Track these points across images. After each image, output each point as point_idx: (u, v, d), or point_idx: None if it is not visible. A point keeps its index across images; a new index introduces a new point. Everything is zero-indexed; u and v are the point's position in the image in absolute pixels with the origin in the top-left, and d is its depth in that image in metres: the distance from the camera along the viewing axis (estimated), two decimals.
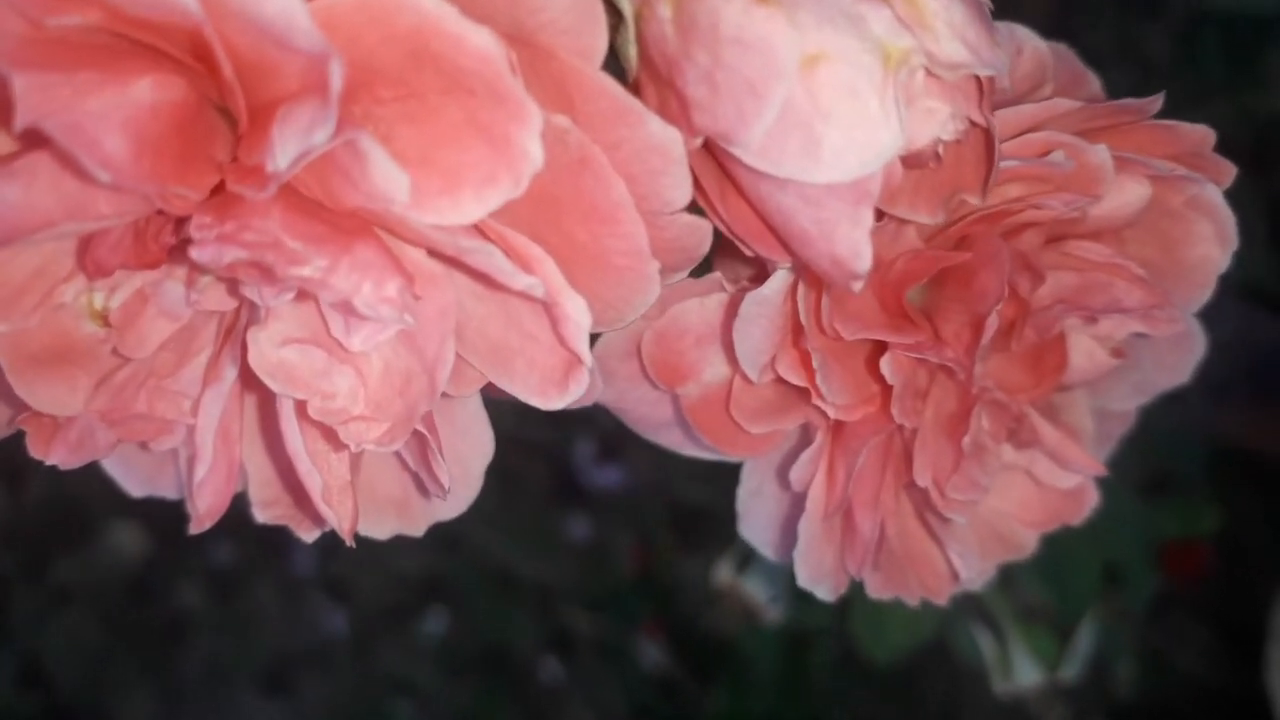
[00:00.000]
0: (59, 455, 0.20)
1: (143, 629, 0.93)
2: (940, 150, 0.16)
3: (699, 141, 0.16)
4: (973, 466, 0.21)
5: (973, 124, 0.16)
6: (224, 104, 0.16)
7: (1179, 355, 0.24)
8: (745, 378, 0.21)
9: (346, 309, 0.16)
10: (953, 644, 0.48)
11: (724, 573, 0.49)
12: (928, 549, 0.23)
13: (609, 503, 0.90)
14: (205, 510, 0.20)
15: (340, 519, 0.19)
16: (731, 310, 0.21)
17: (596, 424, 0.88)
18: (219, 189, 0.16)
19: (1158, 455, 0.57)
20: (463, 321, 0.18)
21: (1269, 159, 0.59)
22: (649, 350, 0.22)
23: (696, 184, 0.17)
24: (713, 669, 0.77)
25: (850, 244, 0.16)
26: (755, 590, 0.49)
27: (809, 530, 0.22)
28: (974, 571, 0.23)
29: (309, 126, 0.14)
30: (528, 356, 0.18)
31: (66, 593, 0.92)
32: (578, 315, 0.17)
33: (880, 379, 0.20)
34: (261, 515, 0.21)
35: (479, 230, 0.16)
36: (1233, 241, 0.22)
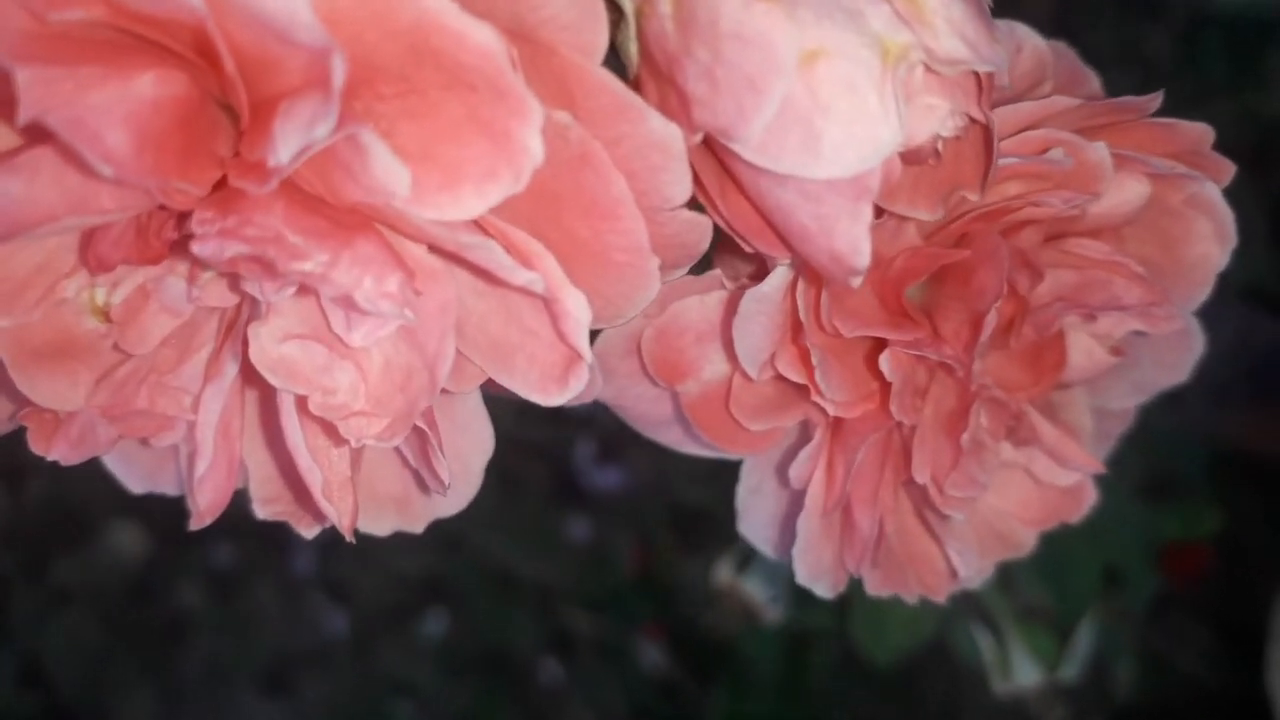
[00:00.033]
0: (60, 451, 0.20)
1: (143, 629, 0.93)
2: (939, 147, 0.16)
3: (699, 137, 0.16)
4: (971, 464, 0.21)
5: (972, 120, 0.16)
6: (226, 100, 0.16)
7: (1178, 354, 0.24)
8: (745, 375, 0.21)
9: (347, 304, 0.16)
10: (953, 644, 0.48)
11: (724, 573, 0.49)
12: (926, 547, 0.23)
13: (609, 504, 0.90)
14: (205, 506, 0.20)
15: (340, 515, 0.19)
16: (731, 307, 0.21)
17: (597, 425, 0.88)
18: (221, 184, 0.16)
19: (1158, 456, 0.57)
20: (463, 317, 0.18)
21: (1270, 160, 0.59)
22: (649, 347, 0.22)
23: (696, 180, 0.17)
24: (713, 670, 0.77)
25: (849, 240, 0.16)
26: (755, 590, 0.49)
27: (808, 527, 0.22)
28: (973, 569, 0.23)
29: (310, 121, 0.14)
30: (528, 352, 0.18)
31: (66, 593, 0.92)
32: (578, 311, 0.17)
33: (879, 376, 0.20)
34: (262, 512, 0.22)
35: (479, 226, 0.16)
36: (1232, 239, 0.22)
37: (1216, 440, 0.61)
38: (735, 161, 0.16)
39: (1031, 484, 0.24)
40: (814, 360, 0.20)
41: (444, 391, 0.19)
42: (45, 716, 0.90)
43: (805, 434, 0.22)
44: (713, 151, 0.17)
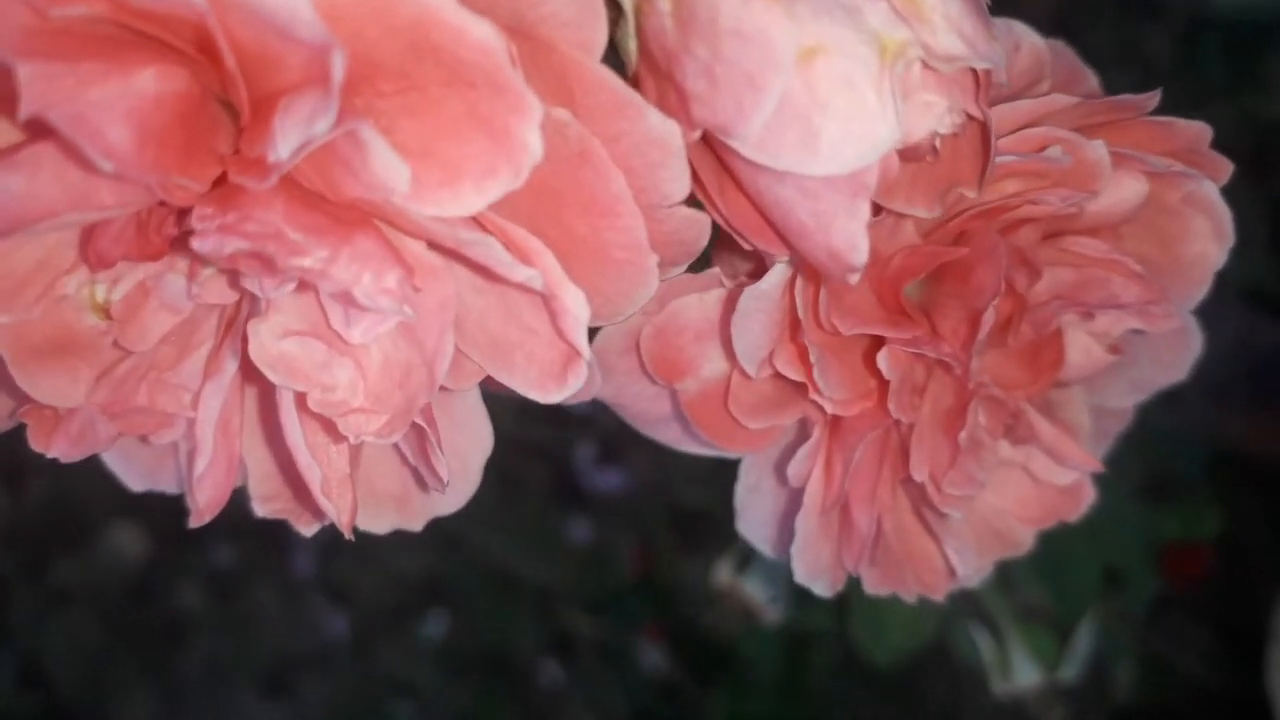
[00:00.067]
0: (60, 448, 0.20)
1: (143, 630, 0.93)
2: (937, 144, 0.16)
3: (697, 135, 0.17)
4: (969, 462, 0.21)
5: (969, 117, 0.16)
6: (227, 97, 0.16)
7: (1176, 352, 0.24)
8: (743, 373, 0.21)
9: (346, 300, 0.16)
10: (952, 645, 0.48)
11: (723, 573, 0.49)
12: (925, 545, 0.23)
13: (609, 505, 0.90)
14: (205, 504, 0.20)
15: (339, 512, 0.19)
16: (730, 305, 0.21)
17: (597, 426, 0.88)
18: (221, 181, 0.16)
19: (1158, 457, 0.57)
20: (462, 314, 0.18)
21: (1269, 162, 0.59)
22: (648, 345, 0.22)
23: (695, 177, 0.17)
24: (713, 671, 0.77)
25: (847, 236, 0.16)
26: (755, 591, 0.49)
27: (806, 525, 0.22)
28: (971, 568, 0.23)
29: (310, 116, 0.14)
30: (527, 350, 0.18)
31: (67, 593, 0.92)
32: (576, 308, 0.17)
33: (878, 374, 0.20)
34: (261, 509, 0.22)
35: (478, 222, 0.16)
36: (1229, 238, 0.22)
37: (1216, 441, 0.61)
38: (734, 158, 0.16)
39: (1030, 482, 0.24)
40: (812, 358, 0.20)
41: (443, 389, 0.19)
42: (45, 717, 0.90)
43: (804, 432, 0.22)
44: (711, 148, 0.17)
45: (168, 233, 0.17)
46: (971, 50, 0.15)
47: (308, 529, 0.21)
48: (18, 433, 0.20)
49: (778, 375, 0.21)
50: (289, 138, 0.15)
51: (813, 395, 0.21)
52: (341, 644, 0.94)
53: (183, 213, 0.17)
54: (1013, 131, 0.20)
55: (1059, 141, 0.19)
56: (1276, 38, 0.61)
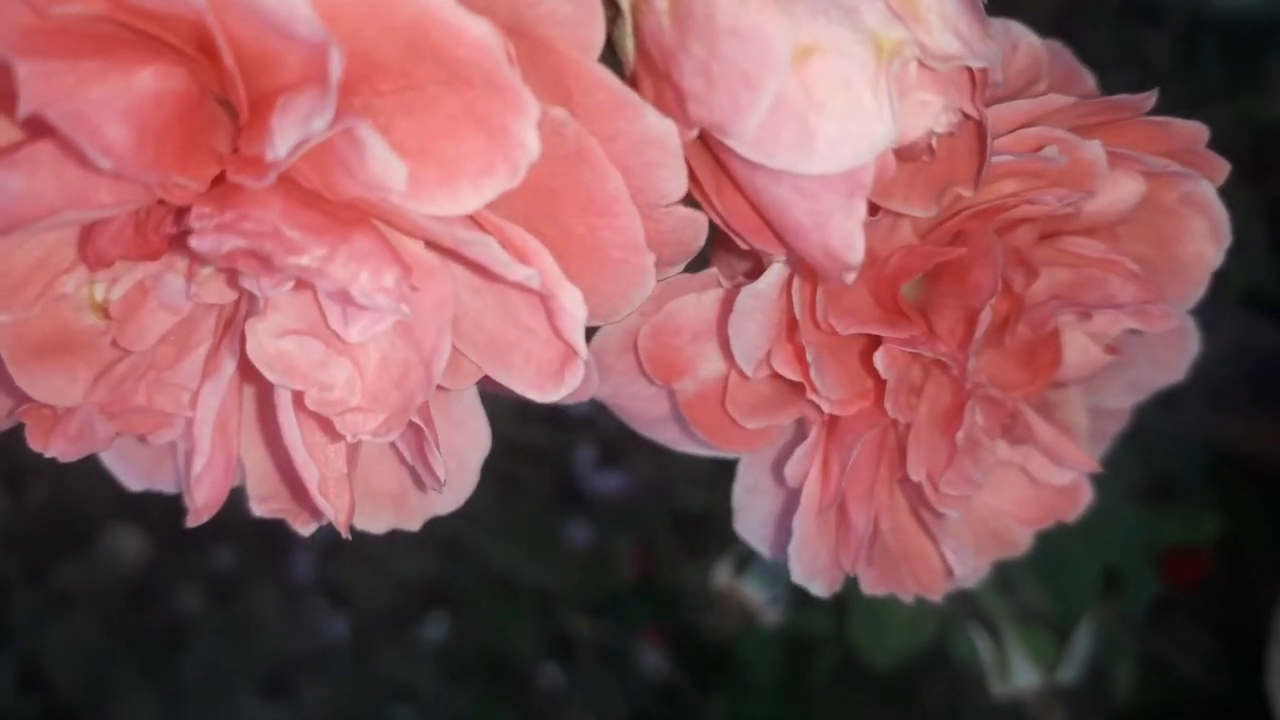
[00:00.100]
0: (58, 447, 0.20)
1: (143, 633, 0.93)
2: (933, 143, 0.16)
3: (694, 134, 0.17)
4: (966, 461, 0.21)
5: (966, 116, 0.16)
6: (226, 96, 0.17)
7: (1174, 353, 0.24)
8: (741, 373, 0.21)
9: (344, 299, 0.17)
10: (951, 647, 0.48)
11: (723, 574, 0.49)
12: (922, 545, 0.23)
13: (609, 508, 0.90)
14: (203, 504, 0.20)
15: (336, 511, 0.19)
16: (727, 305, 0.21)
17: (597, 429, 0.88)
18: (220, 180, 0.17)
19: (1158, 459, 0.57)
20: (460, 314, 0.18)
21: (1268, 165, 0.59)
22: (645, 345, 0.22)
23: (692, 177, 0.17)
24: (713, 673, 0.77)
25: (843, 235, 0.16)
26: (754, 592, 0.49)
27: (803, 525, 0.22)
28: (968, 568, 0.23)
29: (308, 115, 0.14)
30: (524, 349, 0.18)
31: (67, 596, 0.92)
32: (574, 307, 0.17)
33: (875, 374, 0.20)
34: (259, 509, 0.22)
35: (476, 222, 0.17)
36: (1226, 238, 0.22)
37: (1217, 443, 0.61)
38: (730, 157, 0.17)
39: (1027, 483, 0.24)
40: (809, 358, 0.20)
41: (440, 388, 0.19)
42: (45, 719, 0.90)
43: (801, 432, 0.22)
44: (708, 148, 0.17)
45: (166, 232, 0.17)
46: (967, 49, 0.15)
47: (305, 528, 0.21)
48: (18, 434, 0.20)
49: (775, 375, 0.21)
50: (287, 136, 0.15)
51: (810, 395, 0.21)
52: (341, 646, 0.94)
53: (181, 212, 0.17)
54: (1010, 131, 0.20)
55: (1056, 141, 0.19)
56: (1275, 39, 0.61)
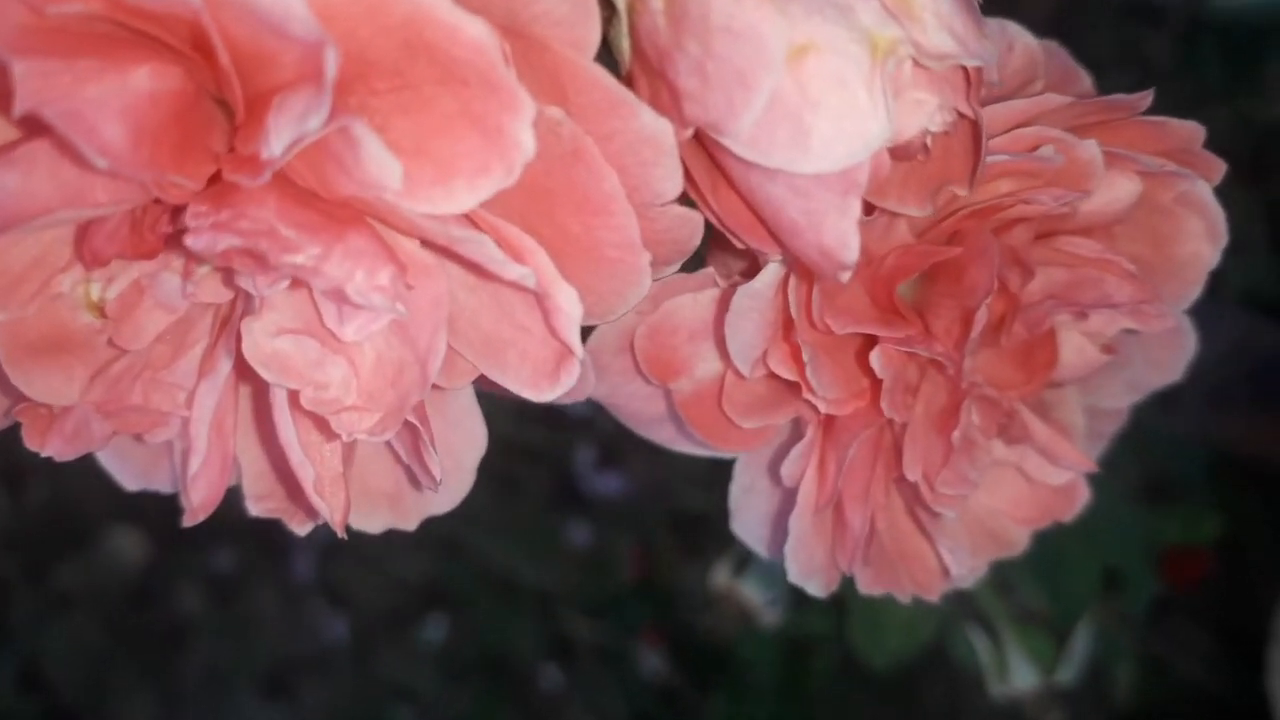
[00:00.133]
0: (55, 447, 0.20)
1: (143, 633, 0.93)
2: (928, 142, 0.16)
3: (690, 133, 0.17)
4: (962, 461, 0.21)
5: (961, 116, 0.16)
6: (222, 96, 0.17)
7: (1170, 353, 0.24)
8: (737, 373, 0.21)
9: (339, 297, 0.17)
10: (950, 648, 0.48)
11: (721, 575, 0.49)
12: (919, 545, 0.23)
13: (609, 509, 0.90)
14: (199, 503, 0.20)
15: (332, 510, 0.19)
16: (724, 305, 0.21)
17: (597, 429, 0.88)
18: (216, 179, 0.17)
19: (1158, 460, 0.57)
20: (455, 313, 0.18)
21: (1268, 166, 0.59)
22: (642, 345, 0.22)
23: (688, 176, 0.17)
24: (712, 675, 0.77)
25: (838, 234, 0.16)
26: (752, 593, 0.49)
27: (800, 525, 0.22)
28: (965, 568, 0.23)
29: (303, 113, 0.14)
30: (520, 348, 0.18)
31: (67, 597, 0.92)
32: (569, 306, 0.17)
33: (871, 373, 0.20)
34: (255, 508, 0.22)
35: (472, 220, 0.17)
36: (1223, 238, 0.22)
37: (1216, 444, 0.61)
38: (726, 156, 0.17)
39: (1024, 482, 0.24)
40: (805, 357, 0.20)
41: (436, 388, 0.19)
42: None
43: (797, 432, 0.22)
44: (704, 147, 0.17)
45: (162, 231, 0.17)
46: (962, 48, 0.15)
47: (301, 528, 0.21)
48: (17, 433, 0.20)
49: (771, 375, 0.21)
50: (282, 134, 0.15)
51: (806, 395, 0.21)
52: (341, 647, 0.94)
53: (177, 211, 0.17)
54: (1006, 131, 0.20)
55: (1052, 141, 0.19)
56: (1274, 41, 0.61)
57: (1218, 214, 0.22)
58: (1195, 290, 0.23)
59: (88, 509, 0.91)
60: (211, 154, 0.17)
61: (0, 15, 0.15)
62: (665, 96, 0.17)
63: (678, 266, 0.19)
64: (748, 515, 0.24)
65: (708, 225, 0.18)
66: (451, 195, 0.16)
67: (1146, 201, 0.21)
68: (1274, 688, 0.45)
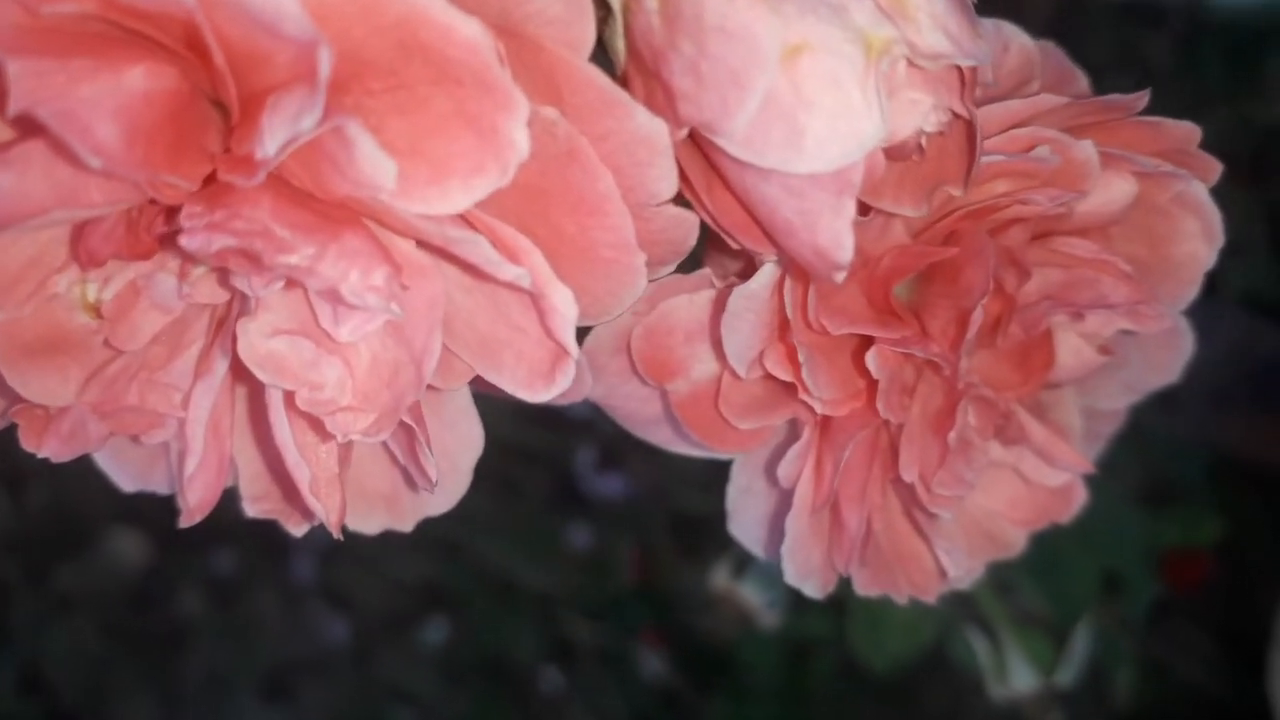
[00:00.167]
0: (51, 447, 0.20)
1: (143, 635, 0.93)
2: (923, 142, 0.16)
3: (684, 133, 0.17)
4: (958, 462, 0.21)
5: (955, 115, 0.16)
6: (217, 96, 0.17)
7: (1167, 354, 0.24)
8: (734, 374, 0.21)
9: (334, 297, 0.17)
10: (950, 651, 0.48)
11: (720, 577, 0.49)
12: (915, 546, 0.23)
13: (610, 511, 0.90)
14: (196, 504, 0.20)
15: (328, 511, 0.19)
16: (720, 306, 0.21)
17: (597, 431, 0.88)
18: (211, 179, 0.17)
19: (1158, 462, 0.57)
20: (451, 314, 0.18)
21: (1268, 168, 0.59)
22: (638, 346, 0.22)
23: (683, 176, 0.17)
24: (713, 677, 0.77)
25: (832, 234, 0.16)
26: (752, 595, 0.49)
27: (796, 526, 0.22)
28: (962, 569, 0.23)
29: (297, 113, 0.14)
30: (515, 349, 0.18)
31: (67, 599, 0.92)
32: (564, 307, 0.17)
33: (867, 374, 0.20)
34: (251, 509, 0.22)
35: (467, 221, 0.17)
36: (1219, 238, 0.22)
37: (1217, 446, 0.61)
38: (720, 156, 0.17)
39: (1020, 483, 0.24)
40: (801, 358, 0.20)
41: (432, 388, 0.19)
42: None
43: (794, 433, 0.22)
44: (699, 147, 0.17)
45: (157, 231, 0.17)
46: (956, 48, 0.15)
47: (297, 529, 0.21)
48: (16, 436, 0.20)
49: (768, 376, 0.21)
50: (276, 134, 0.15)
51: (802, 395, 0.21)
52: (342, 650, 0.94)
53: (173, 211, 0.17)
54: (1002, 131, 0.20)
55: (1048, 141, 0.19)
56: (1274, 41, 0.61)
57: (1214, 214, 0.22)
58: (1192, 291, 0.23)
59: (88, 511, 0.91)
60: (207, 154, 0.17)
61: None
62: (660, 96, 0.17)
63: (673, 267, 0.19)
64: (745, 516, 0.24)
65: (704, 226, 0.18)
66: (446, 195, 0.16)
67: (1143, 202, 0.21)
68: (1275, 690, 0.45)
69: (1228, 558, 0.62)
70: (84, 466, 0.22)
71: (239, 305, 0.19)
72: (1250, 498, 0.63)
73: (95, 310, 0.19)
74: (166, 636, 0.93)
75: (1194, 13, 0.65)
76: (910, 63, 0.16)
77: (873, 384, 0.21)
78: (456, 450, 0.21)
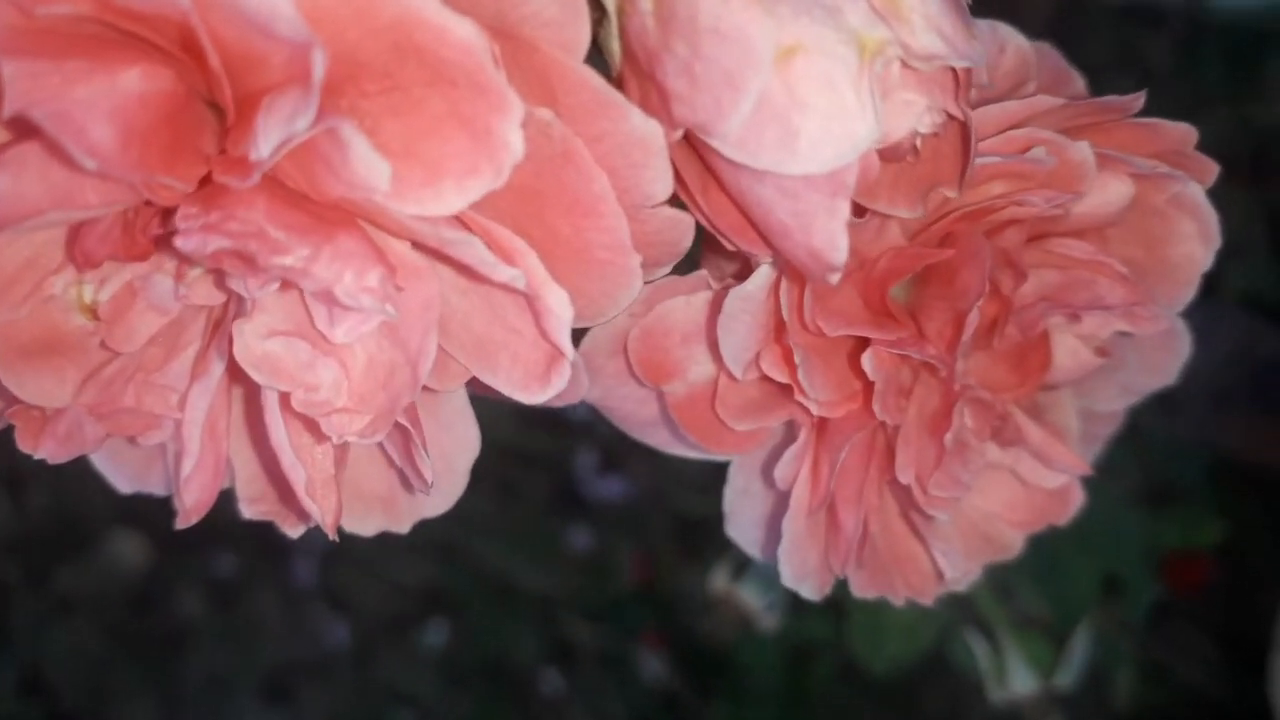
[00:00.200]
0: (47, 449, 0.20)
1: (144, 638, 0.93)
2: (918, 143, 0.16)
3: (679, 134, 0.17)
4: (955, 463, 0.21)
5: (949, 117, 0.16)
6: (212, 98, 0.17)
7: (1164, 355, 0.24)
8: (730, 375, 0.21)
9: (329, 299, 0.17)
10: (950, 653, 0.48)
11: (720, 579, 0.49)
12: (912, 548, 0.23)
13: (610, 513, 0.90)
14: (192, 505, 0.20)
15: (324, 513, 0.19)
16: (716, 307, 0.21)
17: (598, 434, 0.88)
18: (207, 181, 0.17)
19: (1159, 464, 0.57)
20: (447, 315, 0.18)
21: (1267, 168, 0.59)
22: (635, 348, 0.22)
23: (678, 178, 0.17)
24: (713, 679, 0.77)
25: (827, 235, 0.16)
26: (751, 597, 0.49)
27: (793, 528, 0.22)
28: (959, 571, 0.23)
29: (291, 115, 0.14)
30: (511, 350, 0.18)
31: (68, 601, 0.93)
32: (560, 308, 0.17)
33: (863, 376, 0.20)
34: (248, 511, 0.22)
35: (462, 222, 0.17)
36: (1216, 240, 0.22)
37: (1217, 448, 0.61)
38: (715, 158, 0.17)
39: (1017, 485, 0.24)
40: (797, 360, 0.20)
41: (428, 390, 0.19)
42: None
43: (791, 434, 0.22)
44: (694, 148, 0.17)
45: (153, 232, 0.17)
46: (951, 49, 0.15)
47: (294, 531, 0.21)
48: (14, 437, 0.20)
49: (764, 377, 0.21)
50: (270, 136, 0.15)
51: (799, 397, 0.21)
52: (342, 652, 0.94)
53: (168, 212, 0.17)
54: (998, 133, 0.20)
55: (1044, 143, 0.19)
56: (1274, 42, 0.61)
57: (1211, 216, 0.22)
58: (1189, 292, 0.23)
59: (89, 513, 0.91)
60: (202, 155, 0.17)
61: None
62: (655, 98, 0.17)
63: (669, 269, 0.19)
64: (742, 518, 0.24)
65: (700, 228, 0.18)
66: (440, 197, 0.16)
67: (1139, 203, 0.21)
68: (1276, 693, 0.45)
69: (1228, 560, 0.62)
70: (84, 468, 0.22)
71: (235, 307, 0.19)
72: (1250, 499, 0.63)
73: (91, 312, 0.19)
74: (167, 638, 0.93)
75: (1194, 14, 0.65)
76: (904, 64, 0.16)
77: (869, 386, 0.21)
78: (453, 452, 0.21)
